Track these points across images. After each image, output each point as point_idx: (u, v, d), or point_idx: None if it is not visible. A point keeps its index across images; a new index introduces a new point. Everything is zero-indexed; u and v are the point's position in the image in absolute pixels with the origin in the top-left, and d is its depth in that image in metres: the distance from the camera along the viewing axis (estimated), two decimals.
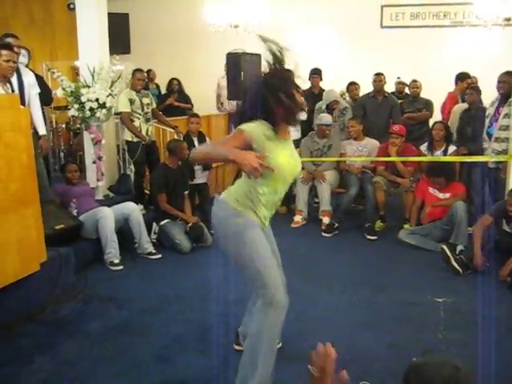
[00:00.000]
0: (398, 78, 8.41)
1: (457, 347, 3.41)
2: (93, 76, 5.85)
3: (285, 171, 2.69)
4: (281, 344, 3.24)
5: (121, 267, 4.93)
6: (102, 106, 5.80)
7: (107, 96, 5.82)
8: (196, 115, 6.52)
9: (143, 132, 6.20)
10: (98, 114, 5.82)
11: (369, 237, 5.88)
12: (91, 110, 5.77)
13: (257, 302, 2.74)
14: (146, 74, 6.37)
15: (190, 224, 5.54)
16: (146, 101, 6.29)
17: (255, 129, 2.60)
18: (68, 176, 5.32)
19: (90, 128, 5.98)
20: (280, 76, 2.69)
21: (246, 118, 2.66)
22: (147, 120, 6.29)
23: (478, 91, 6.26)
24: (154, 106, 6.53)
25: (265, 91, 2.64)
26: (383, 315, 3.91)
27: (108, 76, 6.00)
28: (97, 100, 5.75)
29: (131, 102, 6.12)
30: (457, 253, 4.88)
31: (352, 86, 7.86)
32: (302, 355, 3.12)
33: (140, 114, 6.18)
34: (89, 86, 5.79)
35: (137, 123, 6.16)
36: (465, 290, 4.34)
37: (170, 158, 5.67)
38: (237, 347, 3.29)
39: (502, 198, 5.21)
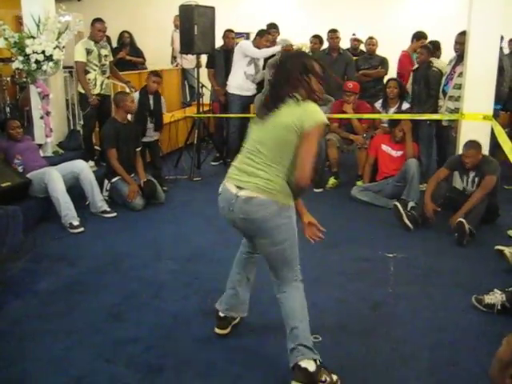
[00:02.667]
0: (353, 34, 8.33)
1: (406, 301, 3.49)
2: (38, 26, 5.57)
3: None
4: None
5: (81, 229, 4.74)
6: (49, 58, 5.55)
7: (54, 48, 5.56)
8: (157, 74, 6.23)
9: (98, 84, 6.02)
10: (44, 67, 5.56)
11: (315, 189, 5.96)
12: (37, 62, 5.51)
13: (284, 289, 2.69)
14: (105, 24, 6.13)
15: (144, 180, 5.45)
16: (104, 52, 6.10)
17: None
18: (11, 133, 5.09)
19: (37, 82, 5.72)
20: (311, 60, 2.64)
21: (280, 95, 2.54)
22: (103, 72, 6.11)
23: (429, 51, 6.28)
24: (111, 58, 6.34)
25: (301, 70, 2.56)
26: (334, 271, 3.97)
27: (54, 27, 5.71)
28: (43, 52, 5.49)
29: (88, 52, 5.92)
30: (408, 209, 4.97)
31: (314, 39, 7.72)
32: (254, 309, 3.16)
33: (97, 66, 6.00)
34: (34, 37, 5.51)
35: (92, 75, 5.98)
36: (415, 246, 4.44)
37: (117, 111, 5.52)
38: (219, 331, 3.06)
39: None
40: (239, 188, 2.56)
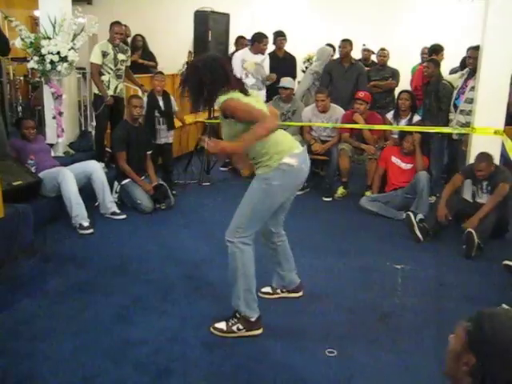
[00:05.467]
0: (364, 45, 8.34)
1: (413, 313, 3.50)
2: (54, 27, 5.62)
3: None
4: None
5: (91, 230, 4.75)
6: (64, 59, 5.59)
7: (69, 49, 5.61)
8: (161, 73, 6.38)
9: (111, 87, 6.08)
10: (59, 68, 5.61)
11: (324, 198, 6.02)
12: (52, 63, 5.55)
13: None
14: (123, 27, 6.19)
15: (155, 184, 5.47)
16: (121, 57, 6.15)
17: None
18: (24, 132, 5.13)
19: (51, 82, 5.77)
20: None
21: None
22: (118, 76, 6.16)
23: (436, 64, 6.31)
24: (129, 64, 6.41)
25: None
26: (342, 280, 3.97)
27: (70, 28, 5.76)
28: (58, 53, 5.53)
29: (104, 54, 5.98)
30: (417, 221, 4.97)
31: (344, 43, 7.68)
32: (263, 319, 3.17)
33: (111, 69, 6.05)
34: (49, 38, 5.55)
35: (106, 77, 6.04)
36: (423, 258, 4.44)
37: (128, 114, 5.57)
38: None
39: None
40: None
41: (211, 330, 3.13)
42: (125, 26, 8.68)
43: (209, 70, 2.95)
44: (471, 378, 1.40)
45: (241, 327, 3.11)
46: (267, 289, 3.63)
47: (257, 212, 3.05)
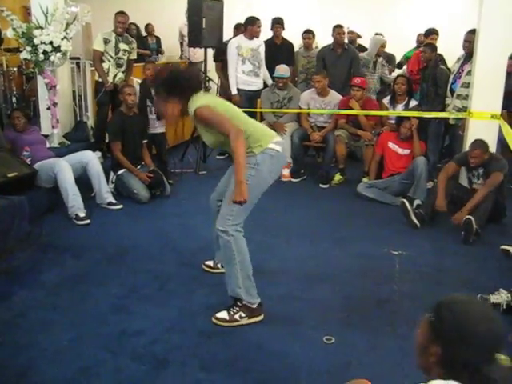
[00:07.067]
0: (348, 27, 8.11)
1: (411, 298, 3.49)
2: (46, 17, 5.56)
3: None
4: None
5: (87, 221, 4.73)
6: (57, 49, 5.54)
7: (62, 39, 5.55)
8: (152, 62, 6.37)
9: (110, 76, 6.11)
10: (52, 58, 5.55)
11: (321, 185, 6.03)
12: (45, 53, 5.50)
13: None
14: (128, 17, 6.25)
15: (150, 169, 5.46)
16: (123, 46, 6.16)
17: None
18: (13, 122, 5.09)
19: (44, 72, 5.72)
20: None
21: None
22: (118, 65, 6.18)
23: (433, 48, 6.26)
24: (134, 56, 6.40)
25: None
26: (340, 267, 3.96)
27: (63, 18, 5.70)
28: (51, 43, 5.48)
29: (106, 41, 6.01)
30: (414, 207, 4.96)
31: (306, 34, 7.60)
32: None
33: (112, 57, 6.08)
34: (42, 28, 5.50)
35: (106, 65, 6.09)
36: (420, 244, 4.44)
37: (122, 103, 5.56)
38: None
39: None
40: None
41: (213, 320, 3.11)
42: (148, 24, 8.64)
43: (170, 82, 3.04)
44: (440, 368, 1.43)
45: (243, 315, 3.10)
46: (210, 262, 3.81)
47: (248, 199, 2.98)
